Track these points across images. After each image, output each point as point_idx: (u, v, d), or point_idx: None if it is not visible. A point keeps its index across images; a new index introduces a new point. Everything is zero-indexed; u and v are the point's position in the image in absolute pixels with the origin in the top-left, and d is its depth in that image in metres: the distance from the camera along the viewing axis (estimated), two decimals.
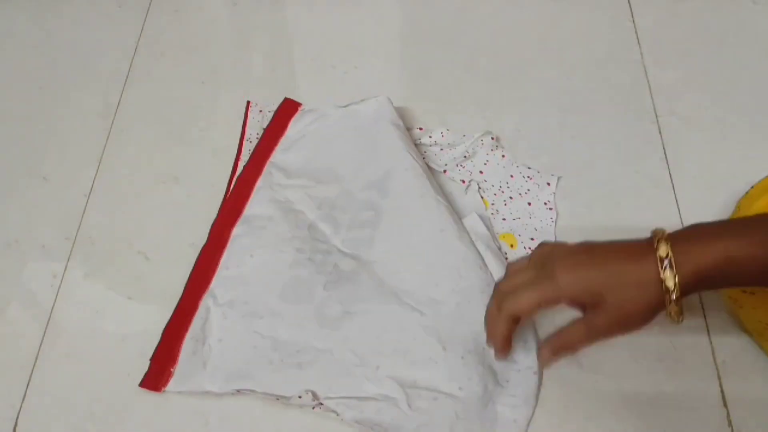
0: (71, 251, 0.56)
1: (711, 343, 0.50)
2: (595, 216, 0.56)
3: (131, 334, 0.52)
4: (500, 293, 0.41)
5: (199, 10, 0.73)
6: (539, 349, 0.43)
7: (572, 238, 0.55)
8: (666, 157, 0.59)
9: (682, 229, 0.38)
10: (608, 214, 0.56)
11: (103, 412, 0.49)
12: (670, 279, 0.36)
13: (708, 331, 0.50)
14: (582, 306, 0.39)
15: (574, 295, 0.38)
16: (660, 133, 0.61)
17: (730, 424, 0.46)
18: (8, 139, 0.64)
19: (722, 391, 0.47)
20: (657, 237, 0.37)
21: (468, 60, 0.67)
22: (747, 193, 0.53)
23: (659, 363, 0.49)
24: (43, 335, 0.52)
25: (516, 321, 0.41)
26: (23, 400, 0.49)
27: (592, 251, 0.39)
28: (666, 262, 0.36)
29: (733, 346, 0.49)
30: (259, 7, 0.73)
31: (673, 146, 0.60)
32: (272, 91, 0.66)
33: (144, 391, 0.49)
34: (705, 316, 0.51)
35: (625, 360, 0.49)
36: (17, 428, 0.48)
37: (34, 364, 0.51)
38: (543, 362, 0.45)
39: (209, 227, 0.56)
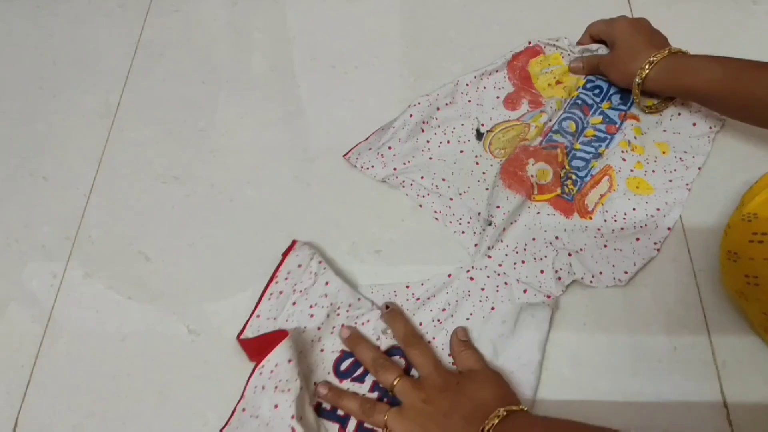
0: (71, 251, 0.56)
1: (711, 343, 0.50)
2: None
3: (131, 334, 0.52)
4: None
5: (199, 10, 0.73)
6: (572, 61, 0.65)
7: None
8: None
9: (683, 54, 0.58)
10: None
11: (103, 412, 0.49)
12: (645, 70, 0.57)
13: (708, 331, 0.50)
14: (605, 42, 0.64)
15: (610, 34, 0.62)
16: None
17: (730, 424, 0.46)
18: (8, 139, 0.64)
19: (722, 391, 0.47)
20: (672, 47, 0.58)
21: (468, 59, 0.67)
22: (751, 187, 0.54)
23: (659, 363, 0.49)
24: (43, 335, 0.52)
25: (592, 38, 0.65)
26: (23, 400, 0.49)
27: (641, 32, 0.60)
28: (652, 59, 0.57)
29: (733, 346, 0.49)
30: (259, 7, 0.73)
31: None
32: (272, 90, 0.66)
33: (144, 391, 0.49)
34: (705, 316, 0.51)
35: (626, 360, 0.49)
36: (17, 428, 0.48)
37: (34, 364, 0.51)
38: (573, 70, 0.66)
39: (209, 227, 0.56)
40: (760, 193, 0.48)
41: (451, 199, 0.57)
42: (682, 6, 0.68)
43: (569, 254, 0.53)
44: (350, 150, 0.60)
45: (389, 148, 0.60)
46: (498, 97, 0.63)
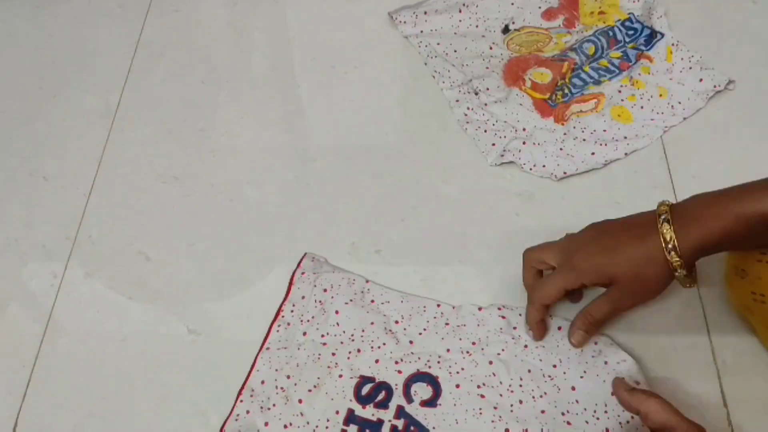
0: (71, 251, 0.56)
1: (711, 343, 0.49)
2: (595, 216, 0.56)
3: (131, 334, 0.52)
4: (530, 286, 0.48)
5: (199, 10, 0.73)
6: (571, 330, 0.48)
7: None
8: (666, 157, 0.59)
9: (684, 202, 0.43)
10: (608, 214, 0.56)
11: (103, 412, 0.49)
12: (675, 259, 0.41)
13: (708, 331, 0.50)
14: (602, 286, 0.45)
15: (591, 280, 0.45)
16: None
17: (730, 424, 0.46)
18: (9, 139, 0.64)
19: (722, 391, 0.47)
20: (660, 215, 0.42)
21: None
22: None
23: (659, 363, 0.49)
24: (43, 335, 0.52)
25: (546, 307, 0.48)
26: (23, 400, 0.49)
27: (602, 238, 0.45)
28: (669, 245, 0.41)
29: (733, 346, 0.49)
30: (259, 7, 0.73)
31: (673, 146, 0.60)
32: (272, 90, 0.66)
33: (144, 391, 0.49)
34: (705, 316, 0.51)
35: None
36: (17, 428, 0.48)
37: (34, 364, 0.51)
38: (577, 343, 0.48)
39: (209, 227, 0.56)
40: None
41: (453, 65, 0.64)
42: (681, 6, 0.68)
43: (524, 143, 0.59)
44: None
45: (425, 12, 0.68)
46: (540, 7, 0.69)
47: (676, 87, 0.62)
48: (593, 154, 0.58)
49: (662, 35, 0.64)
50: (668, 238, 0.41)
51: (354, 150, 0.61)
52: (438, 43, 0.67)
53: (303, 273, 0.53)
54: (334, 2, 0.72)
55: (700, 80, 0.62)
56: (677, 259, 0.41)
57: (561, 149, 0.59)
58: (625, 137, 0.59)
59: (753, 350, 0.49)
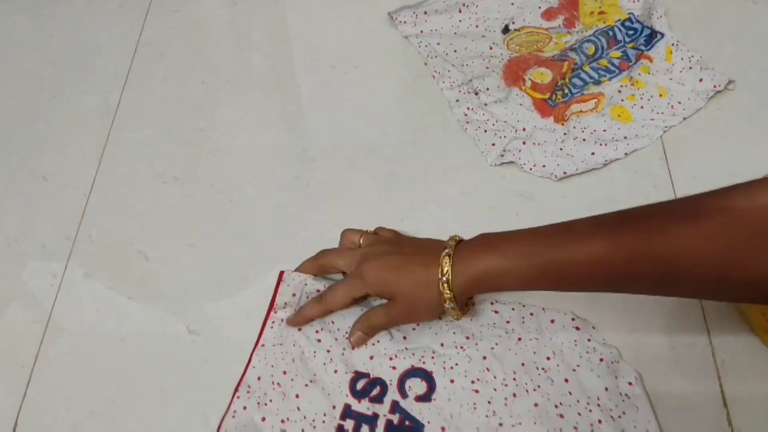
0: (71, 251, 0.56)
1: (711, 343, 0.49)
2: None
3: (131, 334, 0.52)
4: (324, 293, 0.51)
5: (199, 10, 0.73)
6: (351, 330, 0.49)
7: None
8: (666, 157, 0.59)
9: (470, 240, 0.47)
10: None
11: (103, 412, 0.49)
12: (446, 292, 0.45)
13: (708, 331, 0.50)
14: (384, 298, 0.49)
15: (374, 291, 0.48)
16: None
17: (730, 424, 0.46)
18: (8, 139, 0.64)
19: (722, 391, 0.47)
20: (446, 248, 0.46)
21: None
22: None
23: (659, 363, 0.49)
24: (43, 335, 0.52)
25: (329, 311, 0.50)
26: (23, 399, 0.49)
27: (394, 256, 0.48)
28: (444, 278, 0.44)
29: (733, 346, 0.49)
30: (259, 7, 0.73)
31: (673, 146, 0.60)
32: (272, 90, 0.66)
33: (144, 391, 0.49)
34: (705, 316, 0.51)
35: (626, 360, 0.49)
36: (17, 428, 0.48)
37: (34, 364, 0.51)
38: (355, 342, 0.49)
39: (209, 227, 0.56)
40: None
41: (453, 65, 0.64)
42: (681, 6, 0.68)
43: (524, 143, 0.59)
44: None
45: (425, 12, 0.68)
46: (540, 7, 0.68)
47: (676, 87, 0.62)
48: (593, 154, 0.58)
49: (662, 35, 0.64)
50: (444, 271, 0.44)
51: (354, 150, 0.61)
52: (438, 43, 0.67)
53: (294, 269, 0.53)
54: (334, 2, 0.72)
55: (700, 80, 0.62)
56: (448, 292, 0.44)
57: (561, 149, 0.59)
58: (625, 137, 0.59)
59: (753, 350, 0.49)
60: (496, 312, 0.51)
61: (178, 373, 0.50)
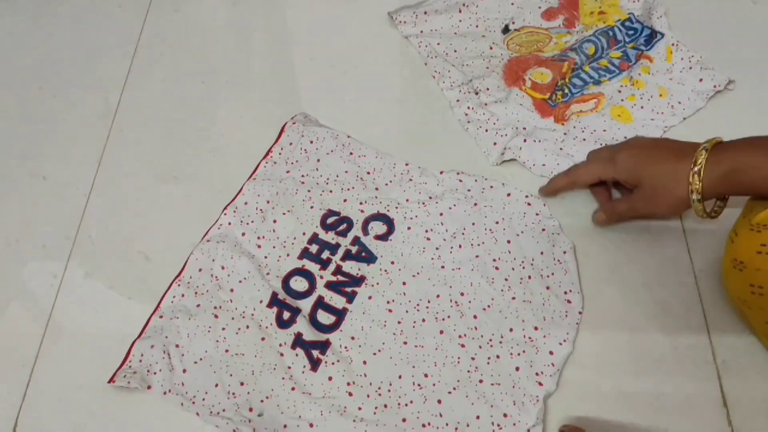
0: (71, 251, 0.56)
1: (711, 343, 0.50)
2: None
3: (131, 334, 0.52)
4: (574, 165, 0.54)
5: (198, 10, 0.73)
6: (595, 214, 0.54)
7: (572, 239, 0.55)
8: None
9: (731, 141, 0.45)
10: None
11: (103, 412, 0.49)
12: (696, 182, 0.45)
13: (708, 331, 0.50)
14: (629, 187, 0.50)
15: (622, 177, 0.50)
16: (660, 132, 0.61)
17: (730, 424, 0.46)
18: (8, 139, 0.64)
19: (722, 391, 0.47)
20: (703, 144, 0.45)
21: None
22: None
23: (659, 363, 0.49)
24: (43, 335, 0.52)
25: (574, 184, 0.55)
26: (23, 400, 0.49)
27: (649, 148, 0.49)
28: (695, 168, 0.44)
29: (733, 346, 0.49)
30: (259, 7, 0.73)
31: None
32: (272, 90, 0.66)
33: (143, 392, 0.49)
34: (705, 316, 0.51)
35: (625, 360, 0.49)
36: (17, 428, 0.48)
37: (34, 364, 0.51)
38: (598, 223, 0.54)
39: (209, 227, 0.56)
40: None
41: (453, 65, 0.65)
42: (681, 6, 0.68)
43: (525, 140, 0.59)
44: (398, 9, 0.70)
45: (425, 13, 0.68)
46: (540, 7, 0.69)
47: (676, 87, 0.62)
48: None
49: (662, 35, 0.64)
50: (698, 161, 0.44)
51: None
52: (438, 43, 0.67)
53: (294, 123, 0.61)
54: (334, 2, 0.72)
55: (700, 80, 0.62)
56: (698, 183, 0.44)
57: (561, 149, 0.59)
58: (625, 137, 0.59)
59: (753, 350, 0.49)
60: (461, 181, 0.57)
61: None
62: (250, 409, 0.47)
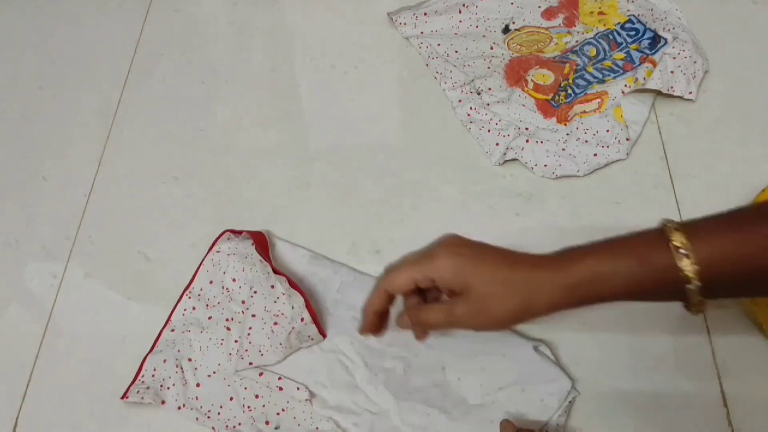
0: (71, 251, 0.56)
1: (711, 343, 0.49)
2: (595, 216, 0.56)
3: (131, 334, 0.52)
4: (385, 272, 0.42)
5: (198, 10, 0.73)
6: (399, 317, 0.43)
7: (573, 239, 0.55)
8: (666, 157, 0.59)
9: (563, 250, 0.40)
10: (608, 214, 0.56)
11: (103, 412, 0.49)
12: (689, 268, 0.36)
13: (708, 331, 0.50)
14: (451, 293, 0.40)
15: (445, 277, 0.38)
16: (660, 133, 0.61)
17: (730, 424, 0.46)
18: (8, 139, 0.64)
19: (722, 391, 0.47)
20: (671, 225, 0.37)
21: None
22: (763, 190, 0.53)
23: (659, 363, 0.49)
24: (43, 335, 0.52)
25: (391, 297, 0.42)
26: (23, 400, 0.49)
27: (479, 248, 0.40)
28: (682, 251, 0.36)
29: (733, 346, 0.49)
30: (259, 7, 0.73)
31: (673, 146, 0.60)
32: (272, 90, 0.66)
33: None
34: (705, 316, 0.51)
35: (625, 360, 0.49)
36: (17, 428, 0.48)
37: (34, 364, 0.51)
38: (401, 326, 0.43)
39: (209, 227, 0.56)
40: None
41: (454, 65, 0.64)
42: (681, 6, 0.68)
43: (527, 140, 0.59)
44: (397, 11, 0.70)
45: (425, 14, 0.68)
46: (540, 6, 0.69)
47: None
48: (595, 155, 0.58)
49: (665, 40, 0.63)
50: (679, 244, 0.36)
51: (354, 150, 0.61)
52: (438, 44, 0.67)
53: (218, 251, 0.54)
54: (334, 2, 0.72)
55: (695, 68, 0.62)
56: (691, 266, 0.35)
57: (563, 149, 0.59)
58: (628, 139, 0.59)
59: (753, 350, 0.49)
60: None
61: None
62: (267, 422, 0.47)
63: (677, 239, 0.36)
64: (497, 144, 0.59)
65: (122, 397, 0.48)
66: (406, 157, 0.60)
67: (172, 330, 0.51)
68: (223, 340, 0.50)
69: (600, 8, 0.67)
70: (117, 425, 0.48)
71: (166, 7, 0.73)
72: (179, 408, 0.48)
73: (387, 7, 0.70)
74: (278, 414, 0.47)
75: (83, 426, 0.48)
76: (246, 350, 0.49)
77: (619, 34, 0.65)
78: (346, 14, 0.71)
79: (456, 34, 0.68)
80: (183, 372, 0.49)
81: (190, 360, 0.49)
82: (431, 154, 0.60)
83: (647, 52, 0.64)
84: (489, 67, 0.64)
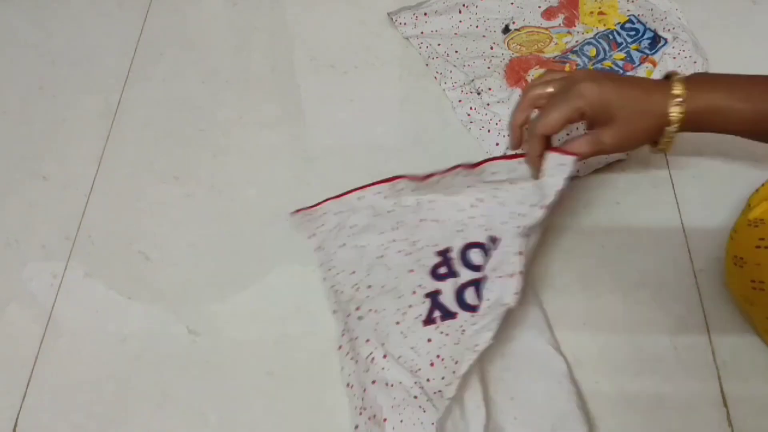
0: (71, 251, 0.56)
1: (711, 343, 0.50)
2: (594, 216, 0.56)
3: (131, 334, 0.52)
4: (535, 118, 0.48)
5: (199, 11, 0.73)
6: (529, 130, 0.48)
7: (573, 238, 0.55)
8: (666, 157, 0.59)
9: (692, 75, 0.46)
10: (608, 214, 0.56)
11: (103, 412, 0.49)
12: (675, 113, 0.44)
13: (708, 331, 0.50)
14: (595, 123, 0.46)
15: (592, 106, 0.45)
16: None
17: (730, 424, 0.46)
18: (8, 139, 0.64)
19: (722, 391, 0.47)
20: (674, 78, 0.45)
21: None
22: (757, 190, 0.53)
23: (659, 363, 0.49)
24: (43, 335, 0.52)
25: (547, 139, 0.48)
26: (23, 400, 0.49)
27: (616, 78, 0.46)
28: (678, 99, 0.44)
29: (733, 346, 0.49)
30: (259, 6, 0.73)
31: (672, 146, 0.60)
32: (272, 90, 0.66)
33: (144, 392, 0.49)
34: (705, 316, 0.51)
35: (625, 360, 0.49)
36: (17, 428, 0.48)
37: (34, 364, 0.51)
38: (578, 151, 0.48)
39: (209, 227, 0.56)
40: (767, 198, 0.48)
41: (454, 65, 0.64)
42: (681, 7, 0.68)
43: None
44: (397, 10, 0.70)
45: (425, 14, 0.69)
46: (540, 6, 0.69)
47: None
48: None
49: (665, 40, 0.63)
50: (678, 93, 0.44)
51: (354, 150, 0.61)
52: (439, 44, 0.67)
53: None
54: (334, 2, 0.72)
55: (694, 62, 0.62)
56: (679, 114, 0.44)
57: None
58: None
59: (753, 350, 0.49)
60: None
61: (178, 373, 0.50)
62: (357, 308, 0.49)
63: (678, 88, 0.44)
64: (497, 144, 0.59)
65: (294, 212, 0.55)
66: (406, 157, 0.60)
67: (356, 199, 0.54)
68: (383, 232, 0.52)
69: (600, 8, 0.68)
70: (117, 425, 0.48)
71: (166, 7, 0.73)
72: (315, 250, 0.53)
73: (387, 7, 0.70)
74: (370, 310, 0.49)
75: (83, 426, 0.48)
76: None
77: (619, 34, 0.65)
78: (346, 14, 0.71)
79: (456, 34, 0.68)
80: (338, 231, 0.53)
81: (350, 227, 0.53)
82: (431, 154, 0.60)
83: (647, 52, 0.64)
84: (489, 67, 0.64)
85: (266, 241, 0.56)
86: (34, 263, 0.56)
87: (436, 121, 0.63)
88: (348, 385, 0.48)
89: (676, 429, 0.46)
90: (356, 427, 0.46)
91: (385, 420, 0.44)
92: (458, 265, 0.49)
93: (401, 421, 0.44)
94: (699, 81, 0.45)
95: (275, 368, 0.50)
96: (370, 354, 0.47)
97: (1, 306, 0.54)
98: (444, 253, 0.50)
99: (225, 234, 0.57)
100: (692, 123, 0.45)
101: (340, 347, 0.50)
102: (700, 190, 0.57)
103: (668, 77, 0.47)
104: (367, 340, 0.47)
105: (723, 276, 0.50)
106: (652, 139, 0.47)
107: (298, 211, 0.56)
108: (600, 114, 0.45)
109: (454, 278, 0.48)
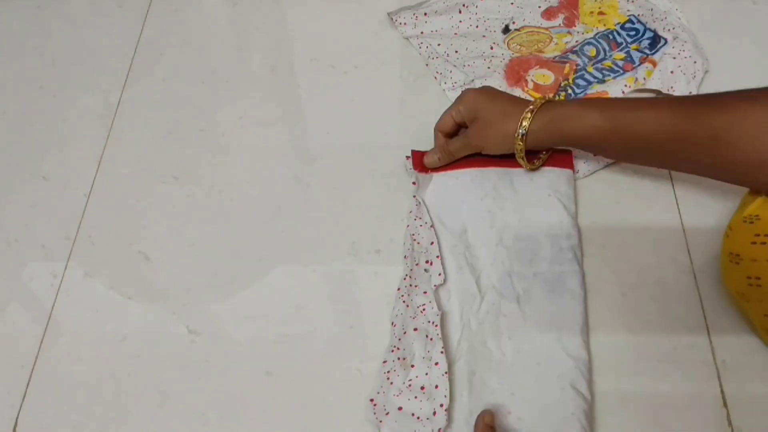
0: (71, 251, 0.56)
1: (711, 343, 0.50)
2: (594, 216, 0.56)
3: (131, 334, 0.52)
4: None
5: (199, 10, 0.73)
6: (426, 157, 0.57)
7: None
8: None
9: (557, 101, 0.53)
10: (608, 214, 0.56)
11: (103, 412, 0.49)
12: (525, 121, 0.51)
13: (708, 331, 0.50)
14: (468, 122, 0.54)
15: (465, 106, 0.54)
16: None
17: (730, 424, 0.46)
18: (8, 139, 0.64)
19: (722, 391, 0.47)
20: (536, 102, 0.51)
21: None
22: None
23: (659, 363, 0.49)
24: (43, 335, 0.52)
25: (446, 136, 0.56)
26: (23, 399, 0.49)
27: (493, 92, 0.54)
28: (530, 107, 0.51)
29: (733, 346, 0.49)
30: (259, 7, 0.73)
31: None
32: (272, 90, 0.66)
33: (144, 392, 0.49)
34: (705, 316, 0.51)
35: (625, 360, 0.49)
36: (17, 428, 0.48)
37: (34, 364, 0.51)
38: (429, 164, 0.57)
39: (209, 227, 0.56)
40: (761, 195, 0.48)
41: (454, 65, 0.65)
42: (681, 7, 0.68)
43: None
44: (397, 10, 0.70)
45: (425, 14, 0.69)
46: (540, 6, 0.69)
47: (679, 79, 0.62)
48: (596, 155, 0.58)
49: (665, 40, 0.63)
50: (532, 107, 0.51)
51: (354, 150, 0.61)
52: (439, 44, 0.67)
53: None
54: (334, 2, 0.72)
55: (695, 69, 0.62)
56: (527, 122, 0.50)
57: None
58: None
59: (753, 350, 0.49)
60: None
61: (178, 373, 0.50)
62: (427, 261, 0.51)
63: (527, 113, 0.51)
64: None
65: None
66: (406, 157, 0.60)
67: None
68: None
69: (600, 8, 0.68)
70: (117, 425, 0.48)
71: (166, 7, 0.73)
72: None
73: (387, 7, 0.71)
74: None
75: (83, 426, 0.48)
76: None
77: (619, 34, 0.65)
78: (346, 14, 0.71)
79: (456, 34, 0.68)
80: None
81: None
82: None
83: (647, 52, 0.64)
84: (489, 67, 0.64)
85: (266, 241, 0.56)
86: (34, 263, 0.56)
87: (435, 121, 0.62)
88: (392, 323, 0.51)
89: (676, 429, 0.46)
90: (384, 362, 0.49)
91: (413, 366, 0.47)
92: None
93: (426, 373, 0.46)
94: (558, 101, 0.52)
95: (275, 368, 0.50)
96: (423, 305, 0.49)
97: (1, 306, 0.54)
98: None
99: (225, 234, 0.57)
100: (540, 133, 0.51)
101: (398, 289, 0.52)
102: (700, 190, 0.57)
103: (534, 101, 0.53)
104: (425, 292, 0.50)
105: (720, 276, 0.50)
106: (509, 141, 0.52)
107: (419, 153, 0.58)
108: (470, 113, 0.53)
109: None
